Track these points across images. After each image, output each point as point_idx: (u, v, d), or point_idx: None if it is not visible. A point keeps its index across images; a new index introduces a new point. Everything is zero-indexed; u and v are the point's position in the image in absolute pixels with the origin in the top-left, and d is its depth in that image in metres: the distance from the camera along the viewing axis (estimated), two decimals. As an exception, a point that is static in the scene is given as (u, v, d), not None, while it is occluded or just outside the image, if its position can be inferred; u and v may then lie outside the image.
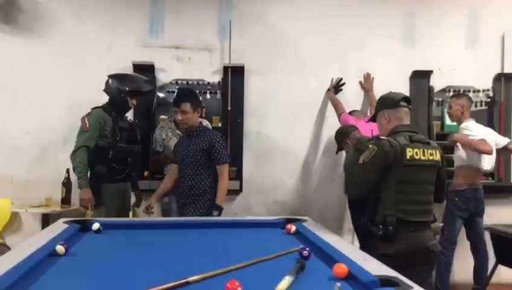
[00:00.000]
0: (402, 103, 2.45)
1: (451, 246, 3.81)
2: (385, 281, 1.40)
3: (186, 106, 3.10)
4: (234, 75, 4.18)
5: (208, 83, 4.20)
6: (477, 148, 3.64)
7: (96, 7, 4.17)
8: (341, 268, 1.52)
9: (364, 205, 2.39)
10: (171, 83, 4.17)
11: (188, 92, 3.29)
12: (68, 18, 4.14)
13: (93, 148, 3.28)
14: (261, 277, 1.56)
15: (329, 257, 1.74)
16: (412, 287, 1.32)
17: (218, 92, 4.22)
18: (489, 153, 3.63)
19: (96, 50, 4.13)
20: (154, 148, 3.94)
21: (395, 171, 2.28)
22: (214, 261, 1.72)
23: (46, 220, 3.79)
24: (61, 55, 4.10)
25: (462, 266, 3.97)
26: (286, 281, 1.42)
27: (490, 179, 4.40)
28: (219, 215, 3.08)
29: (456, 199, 3.58)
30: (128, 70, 3.92)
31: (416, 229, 2.29)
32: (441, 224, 3.53)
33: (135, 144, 3.51)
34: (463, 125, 3.81)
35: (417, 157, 2.31)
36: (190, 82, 4.17)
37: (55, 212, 3.75)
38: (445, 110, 4.17)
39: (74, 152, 3.26)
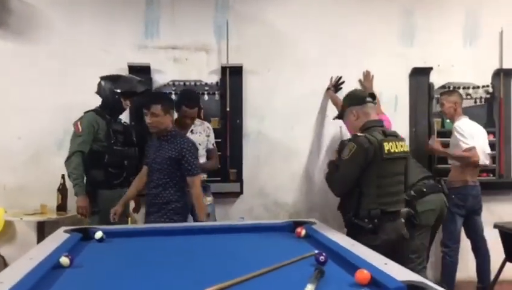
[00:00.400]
0: (368, 99, 2.58)
1: (455, 245, 3.77)
2: (412, 287, 1.34)
3: (157, 108, 2.91)
4: (232, 75, 4.10)
5: (206, 83, 4.12)
6: (456, 159, 3.63)
7: (90, 9, 4.06)
8: (364, 274, 1.46)
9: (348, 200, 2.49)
10: (168, 84, 4.08)
11: (159, 94, 3.24)
12: (61, 20, 4.03)
13: (88, 153, 3.19)
14: (279, 285, 1.49)
15: (347, 261, 1.67)
16: (442, 293, 1.25)
17: (216, 92, 4.14)
18: (475, 163, 3.67)
19: (90, 52, 4.02)
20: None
21: (375, 166, 2.39)
22: (225, 269, 1.65)
23: (42, 228, 3.68)
24: (54, 58, 3.98)
25: (463, 265, 3.93)
26: (308, 289, 1.35)
27: (491, 175, 4.38)
28: None
29: (453, 196, 3.55)
30: (124, 72, 3.82)
31: (394, 219, 2.43)
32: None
33: (131, 147, 3.42)
34: (456, 125, 3.78)
35: (392, 150, 2.44)
36: (187, 83, 4.08)
37: (51, 219, 3.64)
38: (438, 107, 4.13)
39: (68, 158, 3.18)
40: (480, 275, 3.82)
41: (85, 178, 3.24)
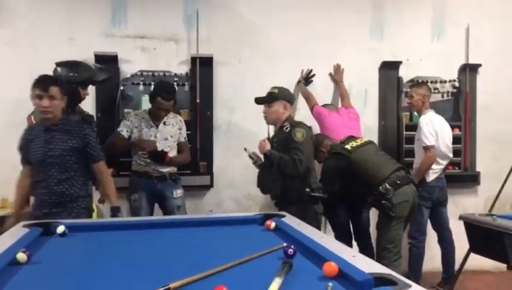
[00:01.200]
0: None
1: (422, 237, 3.84)
2: (380, 279, 1.33)
3: (55, 90, 2.67)
4: (202, 66, 4.04)
5: (175, 74, 4.04)
6: (424, 171, 3.78)
7: (55, -6, 3.91)
8: (331, 267, 1.44)
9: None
10: (136, 74, 3.98)
11: (54, 77, 2.97)
12: (24, 6, 3.86)
13: None
14: (247, 279, 1.46)
15: (316, 254, 1.65)
16: (410, 286, 1.25)
17: (186, 84, 4.06)
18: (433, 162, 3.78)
19: (55, 40, 3.87)
20: (119, 131, 3.51)
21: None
22: (193, 263, 1.60)
23: (2, 223, 3.51)
24: (14, 46, 3.82)
25: (429, 256, 4.02)
26: (276, 283, 1.32)
27: (457, 168, 4.49)
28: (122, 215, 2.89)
29: (420, 189, 3.62)
30: (91, 61, 3.68)
31: None
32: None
33: None
34: (422, 119, 3.82)
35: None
36: (156, 73, 3.99)
37: (12, 214, 3.47)
38: (406, 100, 4.16)
39: None
40: (446, 265, 3.92)
41: None
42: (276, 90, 3.33)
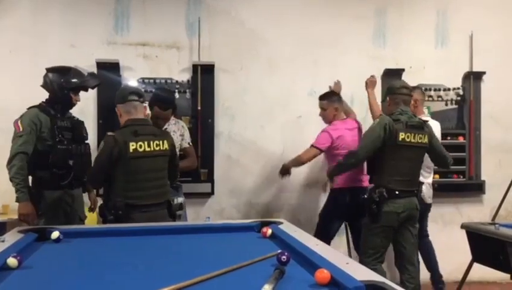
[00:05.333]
0: (131, 97, 2.75)
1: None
2: (372, 287, 1.30)
3: None
4: (204, 73, 4.04)
5: (177, 81, 4.05)
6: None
7: (58, 1, 3.94)
8: (323, 274, 1.41)
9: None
10: (137, 81, 3.99)
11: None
12: (27, 12, 3.90)
13: (33, 154, 2.94)
14: (239, 285, 1.44)
15: (310, 261, 1.62)
16: (401, 293, 1.22)
17: (187, 91, 4.07)
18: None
19: (57, 47, 3.90)
20: None
21: (121, 164, 2.62)
22: (186, 270, 1.58)
23: (3, 229, 3.51)
24: (16, 52, 3.85)
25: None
26: (265, 289, 1.30)
27: (461, 177, 4.43)
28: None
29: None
30: (92, 69, 3.72)
31: (148, 211, 2.67)
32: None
33: (80, 144, 3.14)
34: None
35: (141, 149, 2.65)
36: (158, 81, 4.00)
37: (12, 220, 3.48)
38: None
39: (10, 161, 2.89)
40: (431, 268, 3.87)
41: (30, 179, 3.01)
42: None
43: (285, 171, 3.74)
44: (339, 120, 3.75)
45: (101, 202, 2.88)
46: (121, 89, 3.01)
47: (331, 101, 3.72)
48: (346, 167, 3.35)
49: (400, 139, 3.03)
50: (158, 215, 2.72)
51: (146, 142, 2.67)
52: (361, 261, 3.07)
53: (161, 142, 2.75)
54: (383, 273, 3.00)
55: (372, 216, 3.10)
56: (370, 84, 3.75)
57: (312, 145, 3.62)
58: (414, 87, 3.96)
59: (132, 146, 2.62)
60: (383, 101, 3.46)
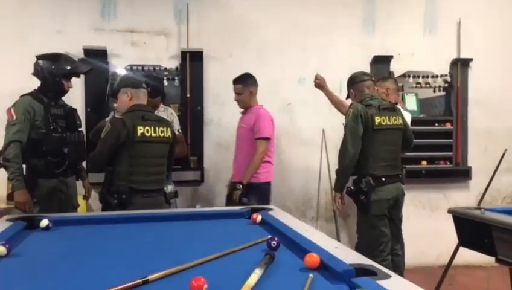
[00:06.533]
0: (144, 85, 2.89)
1: None
2: (361, 270, 1.32)
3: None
4: (193, 60, 4.01)
5: (165, 68, 4.02)
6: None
7: (43, -13, 3.87)
8: (313, 258, 1.43)
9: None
10: (125, 68, 3.95)
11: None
12: (11, -2, 3.82)
13: (27, 142, 2.93)
14: (228, 271, 1.45)
15: (299, 246, 1.64)
16: (390, 276, 1.24)
17: (176, 78, 4.04)
18: None
19: (44, 34, 3.83)
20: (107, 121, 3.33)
21: (127, 147, 2.63)
22: (175, 256, 1.58)
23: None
24: (4, 40, 3.77)
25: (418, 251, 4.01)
26: (255, 274, 1.31)
27: (448, 163, 4.49)
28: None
29: None
30: (80, 55, 3.66)
31: (149, 196, 2.69)
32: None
33: (73, 132, 3.14)
34: None
35: (148, 134, 2.68)
36: (146, 68, 3.96)
37: (1, 209, 3.46)
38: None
39: (4, 150, 2.89)
40: None
41: (24, 167, 3.00)
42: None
43: None
44: (257, 105, 3.59)
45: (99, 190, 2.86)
46: (130, 75, 3.26)
47: (246, 84, 3.56)
48: (345, 170, 3.14)
49: (377, 123, 3.03)
50: (157, 201, 2.76)
51: (152, 128, 2.71)
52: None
53: (165, 129, 2.79)
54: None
55: (362, 207, 3.10)
56: (319, 84, 3.63)
57: (262, 138, 3.43)
58: (387, 77, 3.94)
59: (140, 130, 2.65)
60: (347, 97, 3.38)
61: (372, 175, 3.06)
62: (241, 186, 3.39)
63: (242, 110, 3.66)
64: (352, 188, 3.16)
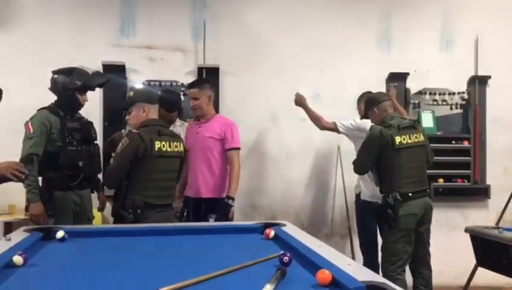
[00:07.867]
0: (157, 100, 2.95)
1: None
2: (372, 287, 1.31)
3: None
4: (209, 76, 4.06)
5: (182, 84, 4.07)
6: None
7: (65, 3, 3.99)
8: (325, 274, 1.42)
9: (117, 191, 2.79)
10: (143, 84, 4.02)
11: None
12: (34, 14, 3.95)
13: (43, 155, 2.97)
14: (240, 285, 1.45)
15: (311, 262, 1.63)
16: (402, 294, 1.23)
17: (192, 93, 4.08)
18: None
19: (64, 49, 3.93)
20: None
21: (145, 161, 2.65)
22: (188, 270, 1.59)
23: (9, 228, 3.55)
24: (24, 54, 3.89)
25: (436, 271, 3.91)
26: (266, 289, 1.31)
27: (466, 181, 4.42)
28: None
29: None
30: (99, 70, 3.75)
31: (162, 211, 2.72)
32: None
33: (88, 145, 3.16)
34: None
35: (164, 149, 2.71)
36: (163, 83, 4.03)
37: (19, 220, 3.52)
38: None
39: (22, 162, 2.83)
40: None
41: (40, 179, 3.05)
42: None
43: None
44: (216, 113, 3.47)
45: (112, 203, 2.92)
46: (146, 89, 3.41)
47: (202, 88, 3.33)
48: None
49: (397, 143, 3.04)
50: (169, 216, 2.79)
51: (167, 143, 2.74)
52: (384, 273, 3.01)
53: (178, 144, 2.83)
54: (404, 286, 2.96)
55: (389, 222, 3.07)
56: (300, 101, 3.75)
57: (235, 148, 3.32)
58: (363, 94, 3.80)
59: (157, 145, 2.68)
60: (365, 117, 3.44)
61: (399, 192, 3.05)
62: (234, 201, 3.24)
63: (196, 117, 3.46)
64: (379, 202, 3.18)
